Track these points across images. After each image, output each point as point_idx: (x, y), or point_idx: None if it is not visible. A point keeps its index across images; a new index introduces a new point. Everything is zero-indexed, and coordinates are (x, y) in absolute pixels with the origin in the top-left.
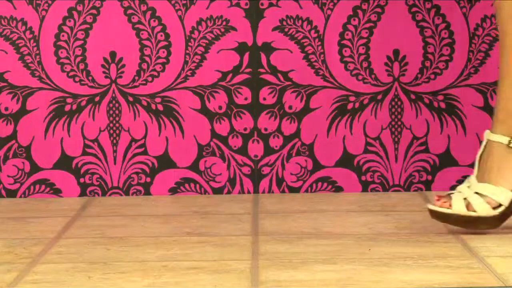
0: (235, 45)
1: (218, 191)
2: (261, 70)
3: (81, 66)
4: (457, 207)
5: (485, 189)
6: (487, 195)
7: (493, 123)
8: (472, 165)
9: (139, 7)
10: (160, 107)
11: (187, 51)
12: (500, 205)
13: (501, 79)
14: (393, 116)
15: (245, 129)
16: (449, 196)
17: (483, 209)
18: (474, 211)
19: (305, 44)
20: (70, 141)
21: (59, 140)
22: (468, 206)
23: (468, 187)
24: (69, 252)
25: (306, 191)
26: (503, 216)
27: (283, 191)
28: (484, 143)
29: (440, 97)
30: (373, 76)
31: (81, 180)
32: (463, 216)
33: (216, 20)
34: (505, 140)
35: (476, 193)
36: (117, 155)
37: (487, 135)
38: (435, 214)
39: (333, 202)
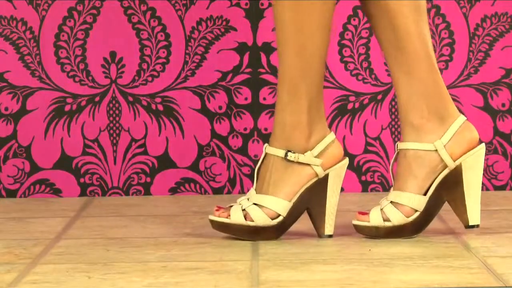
0: (235, 45)
1: (218, 191)
2: (261, 70)
3: (81, 66)
4: (235, 217)
5: (263, 200)
6: (265, 206)
7: (271, 136)
8: None
9: (139, 7)
10: (160, 107)
11: (187, 51)
12: (278, 215)
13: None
14: (393, 116)
15: (245, 129)
16: (229, 207)
17: (260, 219)
18: (252, 221)
19: None
20: (70, 141)
21: (59, 140)
22: (246, 216)
23: (248, 199)
24: (69, 253)
25: None
26: (281, 226)
27: None
28: (262, 156)
29: None
30: (373, 76)
31: (81, 180)
32: (241, 225)
33: (216, 20)
34: (281, 153)
35: (256, 204)
36: (117, 155)
37: (266, 148)
38: (215, 224)
39: None
